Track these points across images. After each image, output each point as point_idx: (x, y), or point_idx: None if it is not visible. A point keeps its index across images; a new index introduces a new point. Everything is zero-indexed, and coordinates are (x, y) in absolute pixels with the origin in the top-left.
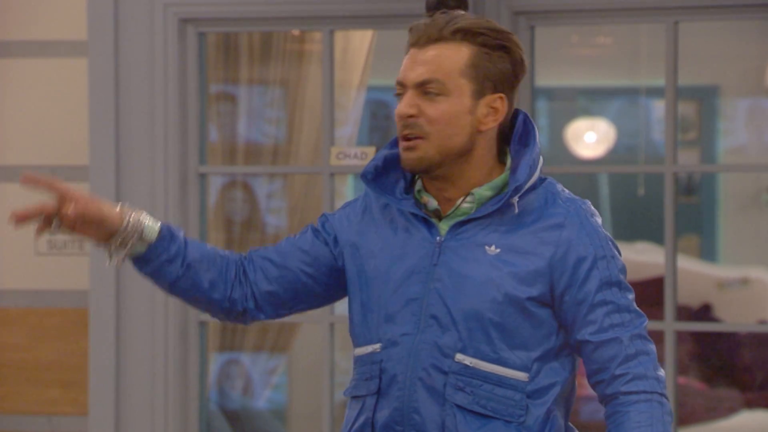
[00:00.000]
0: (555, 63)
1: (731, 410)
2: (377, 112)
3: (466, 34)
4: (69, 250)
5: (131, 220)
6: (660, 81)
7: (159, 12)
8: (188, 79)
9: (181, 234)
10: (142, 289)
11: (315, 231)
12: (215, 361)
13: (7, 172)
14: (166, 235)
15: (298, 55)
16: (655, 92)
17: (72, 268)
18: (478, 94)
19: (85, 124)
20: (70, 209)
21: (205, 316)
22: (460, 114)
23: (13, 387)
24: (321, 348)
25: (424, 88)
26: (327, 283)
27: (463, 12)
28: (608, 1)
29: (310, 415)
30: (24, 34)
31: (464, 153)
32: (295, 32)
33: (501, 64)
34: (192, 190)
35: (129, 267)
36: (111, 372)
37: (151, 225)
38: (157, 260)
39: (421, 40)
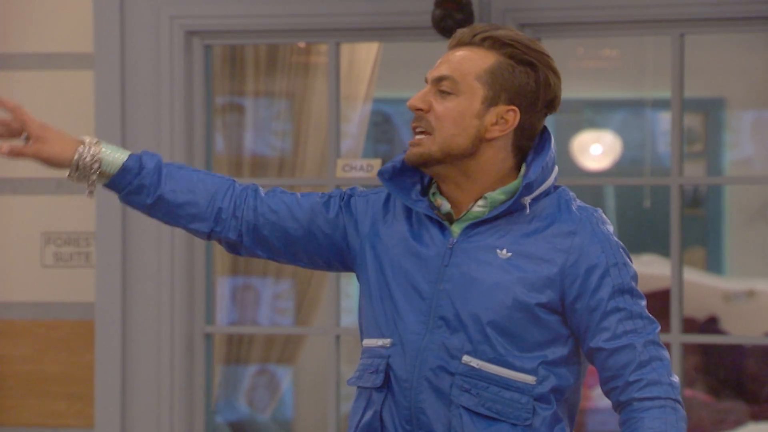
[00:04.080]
0: (561, 75)
1: (737, 422)
2: (383, 125)
3: (494, 43)
4: (75, 263)
5: (87, 154)
6: (666, 93)
7: (165, 24)
8: (194, 92)
9: (151, 166)
10: (148, 301)
11: (344, 198)
12: (221, 373)
13: (13, 185)
14: (133, 167)
15: (303, 68)
16: (660, 104)
17: (78, 281)
18: (491, 101)
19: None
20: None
21: (211, 328)
22: (465, 115)
23: (18, 399)
24: (327, 360)
25: (439, 85)
26: (335, 250)
27: (508, 27)
28: (614, 13)
29: (316, 428)
30: (30, 46)
31: (466, 156)
32: (301, 45)
33: (523, 78)
34: None
35: (134, 278)
36: (117, 384)
37: (111, 160)
38: (122, 191)
39: (455, 43)
